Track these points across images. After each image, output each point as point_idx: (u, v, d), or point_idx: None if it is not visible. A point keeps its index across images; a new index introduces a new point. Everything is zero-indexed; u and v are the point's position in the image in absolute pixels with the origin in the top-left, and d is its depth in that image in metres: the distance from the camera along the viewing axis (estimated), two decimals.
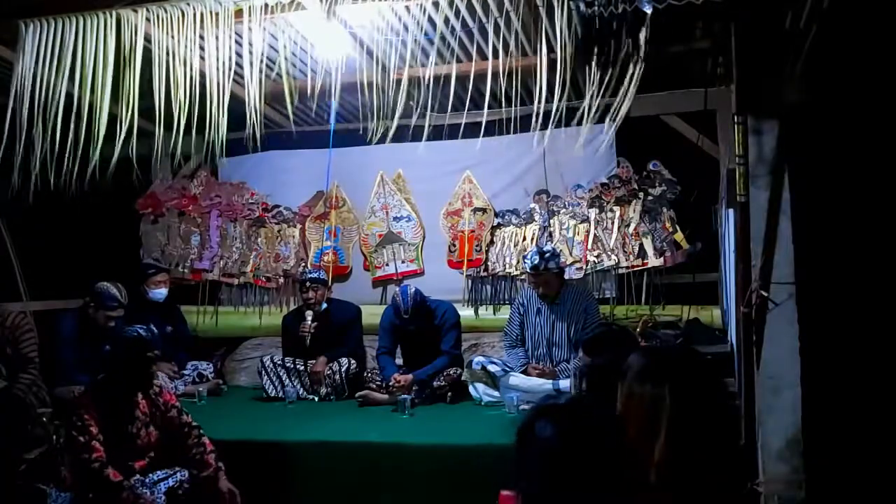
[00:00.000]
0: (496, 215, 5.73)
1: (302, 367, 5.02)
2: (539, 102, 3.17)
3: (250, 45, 3.43)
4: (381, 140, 4.94)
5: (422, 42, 3.64)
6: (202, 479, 3.28)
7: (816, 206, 3.09)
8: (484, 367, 4.62)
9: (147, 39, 3.49)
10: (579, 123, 3.17)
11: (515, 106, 4.99)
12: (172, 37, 3.42)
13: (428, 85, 3.47)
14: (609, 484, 1.36)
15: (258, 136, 3.59)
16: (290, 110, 3.85)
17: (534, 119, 3.22)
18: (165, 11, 3.43)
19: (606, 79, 3.04)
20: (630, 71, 2.92)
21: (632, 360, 1.85)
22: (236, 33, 3.50)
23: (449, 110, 3.68)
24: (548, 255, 4.71)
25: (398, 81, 3.49)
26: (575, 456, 1.37)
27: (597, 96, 3.08)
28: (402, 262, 5.88)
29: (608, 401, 1.77)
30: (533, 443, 1.42)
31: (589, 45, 2.93)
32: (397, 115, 3.53)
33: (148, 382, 3.30)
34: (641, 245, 5.34)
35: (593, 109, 3.14)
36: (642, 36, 2.84)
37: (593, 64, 3.04)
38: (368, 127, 3.78)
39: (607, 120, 3.20)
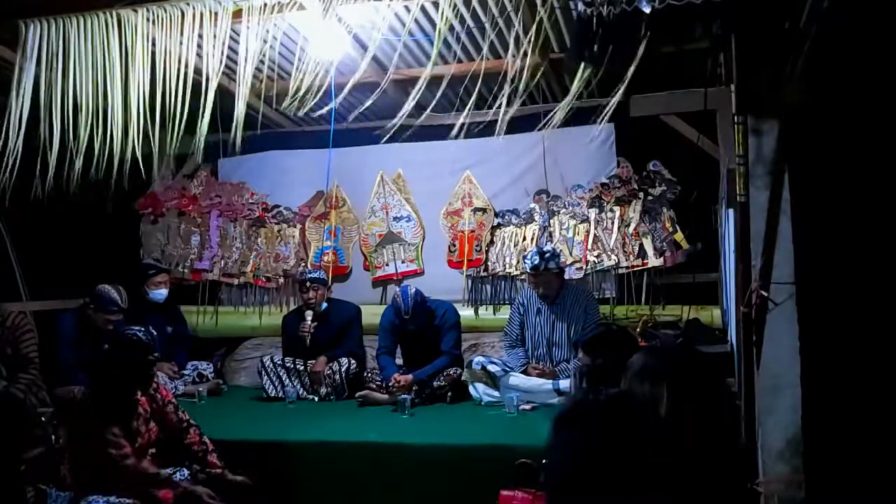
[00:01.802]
0: (496, 215, 5.73)
1: (302, 367, 5.02)
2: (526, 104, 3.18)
3: (247, 44, 3.44)
4: (382, 140, 4.97)
5: (421, 42, 3.65)
6: (211, 476, 3.28)
7: (816, 206, 3.08)
8: (484, 367, 4.62)
9: (147, 39, 3.49)
10: (577, 123, 3.18)
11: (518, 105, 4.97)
12: (172, 37, 3.42)
13: (428, 85, 3.46)
14: (646, 486, 1.32)
15: (256, 135, 3.60)
16: (299, 109, 3.83)
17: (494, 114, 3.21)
18: (165, 11, 3.43)
19: (605, 79, 3.04)
20: (631, 70, 2.92)
21: (633, 359, 1.84)
22: (235, 33, 3.50)
23: (448, 110, 3.69)
24: (548, 255, 4.71)
25: (398, 81, 3.49)
26: (615, 456, 1.33)
27: (591, 96, 3.09)
28: (402, 262, 5.88)
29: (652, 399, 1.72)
30: (569, 439, 1.39)
31: (588, 46, 2.92)
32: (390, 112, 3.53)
33: (149, 383, 3.32)
34: (641, 245, 5.34)
35: (559, 103, 3.14)
36: (642, 36, 2.84)
37: (594, 64, 3.04)
38: (369, 127, 3.79)
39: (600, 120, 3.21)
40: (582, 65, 3.04)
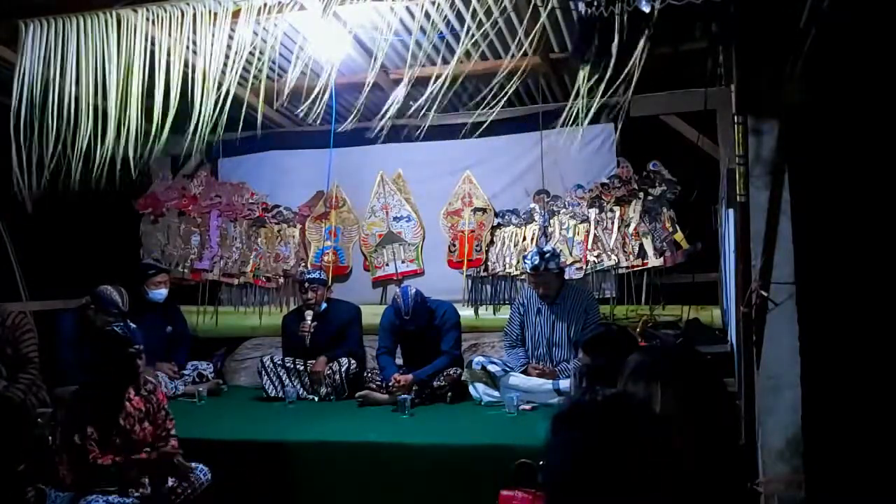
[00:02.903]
0: (496, 215, 5.73)
1: (302, 367, 5.02)
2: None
3: (243, 41, 3.43)
4: (382, 140, 4.97)
5: (421, 42, 3.64)
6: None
7: (816, 206, 3.08)
8: (484, 367, 4.62)
9: (147, 39, 3.49)
10: (576, 123, 3.18)
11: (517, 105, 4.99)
12: (171, 36, 3.42)
13: (428, 85, 3.47)
14: (645, 486, 1.31)
15: (256, 135, 3.59)
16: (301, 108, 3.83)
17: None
18: (165, 11, 3.43)
19: (606, 79, 3.04)
20: (630, 70, 2.92)
21: (630, 359, 1.84)
22: (236, 32, 3.50)
23: (449, 110, 3.69)
24: (548, 255, 4.71)
25: (398, 81, 3.49)
26: (614, 457, 1.31)
27: (594, 96, 3.09)
28: (402, 262, 5.88)
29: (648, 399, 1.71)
30: (568, 439, 1.38)
31: (588, 45, 2.92)
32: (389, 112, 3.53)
33: (134, 377, 3.29)
34: (641, 245, 5.34)
35: (593, 109, 3.14)
36: (642, 36, 2.84)
37: (595, 64, 3.04)
38: (370, 127, 3.78)
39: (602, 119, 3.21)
40: (584, 66, 3.03)
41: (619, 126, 5.07)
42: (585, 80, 3.09)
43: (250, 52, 3.47)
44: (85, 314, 4.67)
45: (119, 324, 3.32)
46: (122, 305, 4.63)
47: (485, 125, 3.61)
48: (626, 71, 2.92)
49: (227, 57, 3.46)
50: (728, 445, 1.81)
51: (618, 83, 2.94)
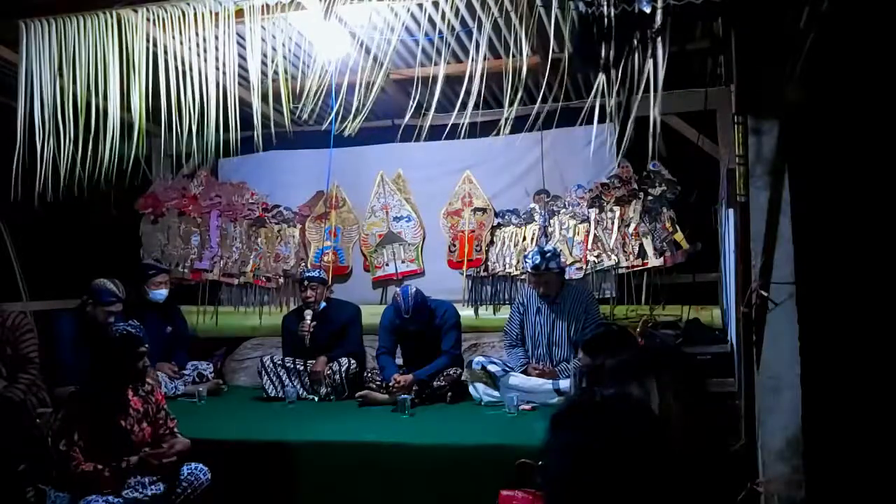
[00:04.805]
0: (496, 215, 5.73)
1: (302, 367, 5.02)
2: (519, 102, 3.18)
3: (253, 45, 3.44)
4: (381, 140, 4.98)
5: (422, 42, 3.65)
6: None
7: (816, 206, 3.08)
8: (484, 367, 4.62)
9: (148, 39, 3.49)
10: (577, 123, 3.18)
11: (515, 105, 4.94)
12: (173, 37, 3.42)
13: (428, 85, 3.47)
14: (643, 487, 1.31)
15: (259, 136, 3.59)
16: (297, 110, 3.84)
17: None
18: (165, 11, 3.44)
19: (603, 79, 3.04)
20: (638, 71, 2.92)
21: (608, 363, 1.83)
22: (237, 33, 3.50)
23: (448, 110, 3.68)
24: (549, 254, 4.71)
25: (398, 81, 3.49)
26: (612, 457, 1.31)
27: (595, 96, 3.08)
28: (402, 262, 5.88)
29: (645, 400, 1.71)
30: (565, 440, 1.37)
31: (588, 46, 2.93)
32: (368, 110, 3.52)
33: (139, 376, 3.29)
34: (641, 245, 5.34)
35: (587, 109, 3.14)
36: (642, 36, 2.84)
37: (597, 64, 3.03)
38: (369, 127, 3.78)
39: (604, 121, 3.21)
40: (584, 67, 3.04)
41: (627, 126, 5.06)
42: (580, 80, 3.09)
43: (258, 55, 3.47)
44: (84, 312, 4.67)
45: (129, 324, 3.30)
46: (120, 294, 4.63)
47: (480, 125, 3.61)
48: (628, 72, 2.92)
49: (227, 57, 3.47)
50: (714, 446, 1.79)
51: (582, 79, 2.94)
